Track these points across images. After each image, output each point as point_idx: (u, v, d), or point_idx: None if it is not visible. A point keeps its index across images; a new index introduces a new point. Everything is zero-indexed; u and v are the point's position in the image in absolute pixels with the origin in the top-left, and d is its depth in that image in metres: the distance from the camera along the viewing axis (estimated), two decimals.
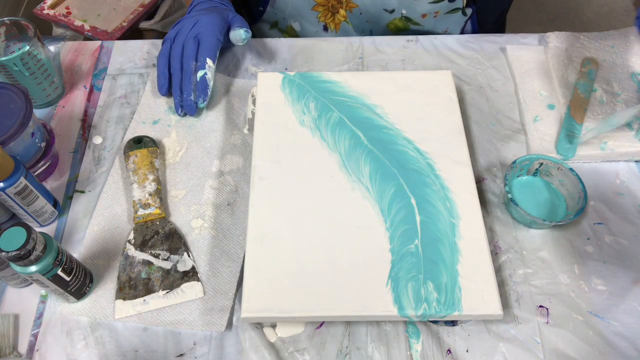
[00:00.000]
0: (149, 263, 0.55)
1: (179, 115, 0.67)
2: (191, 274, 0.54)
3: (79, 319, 0.52)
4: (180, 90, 0.66)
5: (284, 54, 0.75)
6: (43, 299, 0.53)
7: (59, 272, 0.48)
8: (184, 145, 0.64)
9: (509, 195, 0.55)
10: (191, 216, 0.58)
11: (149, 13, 1.26)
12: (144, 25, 1.25)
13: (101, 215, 0.58)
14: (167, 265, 0.54)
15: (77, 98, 0.70)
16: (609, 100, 0.66)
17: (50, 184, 0.62)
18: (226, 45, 0.71)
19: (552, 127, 0.65)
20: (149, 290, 0.53)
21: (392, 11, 0.74)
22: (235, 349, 0.50)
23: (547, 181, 0.59)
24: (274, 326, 0.51)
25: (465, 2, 0.72)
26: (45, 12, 1.22)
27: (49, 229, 0.58)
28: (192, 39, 0.66)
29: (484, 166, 0.62)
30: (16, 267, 0.46)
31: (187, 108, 0.66)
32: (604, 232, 0.56)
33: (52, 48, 0.75)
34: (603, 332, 0.50)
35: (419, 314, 0.47)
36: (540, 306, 0.52)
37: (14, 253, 0.43)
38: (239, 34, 0.67)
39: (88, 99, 0.70)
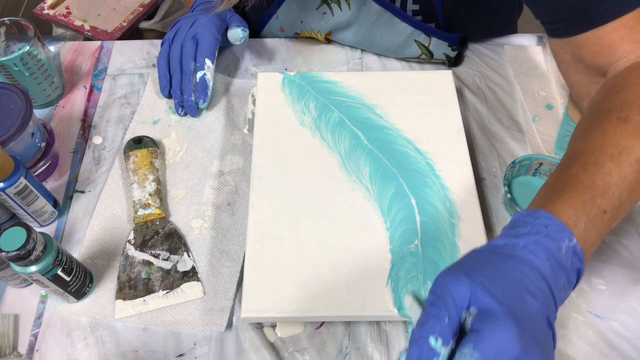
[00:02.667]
0: (149, 263, 0.55)
1: (179, 115, 0.67)
2: (191, 274, 0.54)
3: (79, 319, 0.52)
4: (181, 91, 0.66)
5: (284, 54, 0.75)
6: (43, 299, 0.53)
7: (59, 272, 0.48)
8: (184, 145, 0.64)
9: (509, 195, 0.55)
10: (191, 216, 0.58)
11: (149, 13, 1.25)
12: (144, 25, 1.25)
13: (101, 215, 0.58)
14: (167, 265, 0.54)
15: (77, 98, 0.70)
16: None
17: (50, 184, 0.62)
18: (225, 45, 0.71)
19: (551, 127, 0.65)
20: (149, 290, 0.53)
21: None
22: (235, 349, 0.50)
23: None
24: (274, 326, 0.51)
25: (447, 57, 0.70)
26: (45, 12, 1.22)
27: (49, 229, 0.58)
28: (190, 39, 0.66)
29: (484, 166, 0.62)
30: (16, 267, 0.46)
31: (188, 109, 0.66)
32: None
33: (52, 48, 0.75)
34: (603, 332, 0.50)
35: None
36: None
37: (14, 253, 0.43)
38: (236, 33, 0.67)
39: (88, 99, 0.70)
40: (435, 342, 0.34)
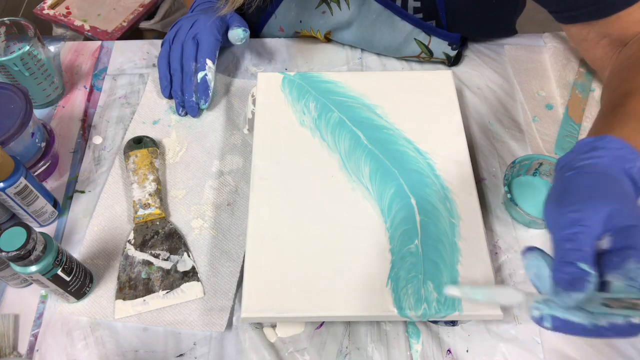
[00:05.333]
0: (149, 263, 0.55)
1: (180, 115, 0.67)
2: (191, 274, 0.54)
3: (79, 319, 0.52)
4: (182, 91, 0.66)
5: (284, 54, 0.75)
6: (43, 299, 0.53)
7: (59, 272, 0.48)
8: (184, 145, 0.65)
9: (509, 195, 0.56)
10: (191, 216, 0.58)
11: (149, 13, 1.25)
12: (144, 25, 1.25)
13: (101, 215, 0.58)
14: (167, 265, 0.54)
15: (77, 98, 0.70)
16: None
17: (50, 184, 0.62)
18: (225, 45, 0.71)
19: (551, 127, 0.65)
20: (149, 290, 0.53)
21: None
22: (235, 349, 0.50)
23: (546, 181, 0.59)
24: (274, 326, 0.51)
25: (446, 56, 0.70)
26: (45, 12, 1.22)
27: (49, 229, 0.58)
28: (191, 39, 0.66)
29: (484, 166, 0.62)
30: (16, 267, 0.46)
31: (189, 109, 0.66)
32: None
33: (52, 48, 0.75)
34: None
35: (419, 314, 0.47)
36: None
37: (14, 253, 0.43)
38: (237, 33, 0.67)
39: (88, 99, 0.70)
40: (584, 266, 0.34)
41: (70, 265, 0.49)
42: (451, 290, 0.44)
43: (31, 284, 0.54)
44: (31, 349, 0.50)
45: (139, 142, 0.62)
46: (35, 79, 0.65)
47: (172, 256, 0.55)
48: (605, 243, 0.35)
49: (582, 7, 0.55)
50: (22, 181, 0.52)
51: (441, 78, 0.64)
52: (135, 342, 0.51)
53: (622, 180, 0.38)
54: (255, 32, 0.78)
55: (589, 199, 0.36)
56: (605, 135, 0.41)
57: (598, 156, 0.40)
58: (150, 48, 0.76)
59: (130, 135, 0.65)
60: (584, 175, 0.39)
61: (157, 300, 0.52)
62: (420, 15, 0.66)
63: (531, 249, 0.39)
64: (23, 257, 0.44)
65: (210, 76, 0.65)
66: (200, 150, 0.64)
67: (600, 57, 0.59)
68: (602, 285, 0.35)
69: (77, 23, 1.21)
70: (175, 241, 0.56)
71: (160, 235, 0.56)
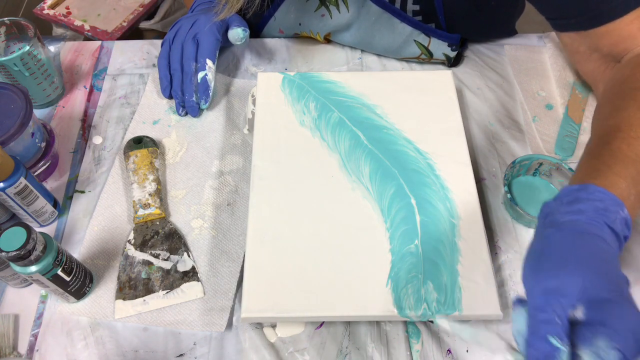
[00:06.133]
0: (149, 263, 0.55)
1: (180, 115, 0.67)
2: (191, 274, 0.54)
3: (79, 319, 0.52)
4: (182, 91, 0.66)
5: (284, 54, 0.75)
6: (43, 299, 0.53)
7: (59, 272, 0.48)
8: (184, 145, 0.65)
9: (509, 195, 0.56)
10: (191, 216, 0.58)
11: (149, 13, 1.26)
12: (144, 25, 1.25)
13: (101, 215, 0.58)
14: (167, 265, 0.54)
15: (77, 98, 0.70)
16: None
17: (50, 184, 0.62)
18: (225, 45, 0.71)
19: (550, 127, 0.65)
20: (149, 290, 0.53)
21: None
22: (235, 349, 0.50)
23: (546, 181, 0.59)
24: (274, 326, 0.51)
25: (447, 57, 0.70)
26: (45, 12, 1.22)
27: (49, 229, 0.58)
28: (191, 39, 0.66)
29: (484, 166, 0.62)
30: (16, 267, 0.46)
31: (190, 109, 0.66)
32: None
33: (52, 48, 0.75)
34: None
35: (419, 314, 0.47)
36: None
37: (14, 253, 0.43)
38: (237, 33, 0.67)
39: (88, 99, 0.70)
40: (554, 340, 0.34)
41: (70, 265, 0.49)
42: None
43: (31, 284, 0.54)
44: (31, 349, 0.50)
45: (139, 142, 0.62)
46: (35, 79, 0.65)
47: (172, 256, 0.55)
48: (579, 313, 0.34)
49: (572, 16, 0.55)
50: (22, 181, 0.52)
51: (441, 78, 0.64)
52: (135, 342, 0.51)
53: (602, 237, 0.38)
54: (255, 33, 0.78)
55: (565, 266, 0.36)
56: (588, 185, 0.41)
57: (579, 210, 0.39)
58: (150, 48, 0.76)
59: (130, 135, 0.65)
60: (562, 234, 0.39)
61: (157, 300, 0.52)
62: (419, 18, 0.66)
63: (521, 301, 0.38)
64: (23, 257, 0.44)
65: (210, 76, 0.65)
66: (200, 150, 0.64)
67: (592, 71, 0.60)
68: (575, 357, 0.34)
69: (77, 23, 1.21)
70: (175, 241, 0.56)
71: (160, 235, 0.56)
